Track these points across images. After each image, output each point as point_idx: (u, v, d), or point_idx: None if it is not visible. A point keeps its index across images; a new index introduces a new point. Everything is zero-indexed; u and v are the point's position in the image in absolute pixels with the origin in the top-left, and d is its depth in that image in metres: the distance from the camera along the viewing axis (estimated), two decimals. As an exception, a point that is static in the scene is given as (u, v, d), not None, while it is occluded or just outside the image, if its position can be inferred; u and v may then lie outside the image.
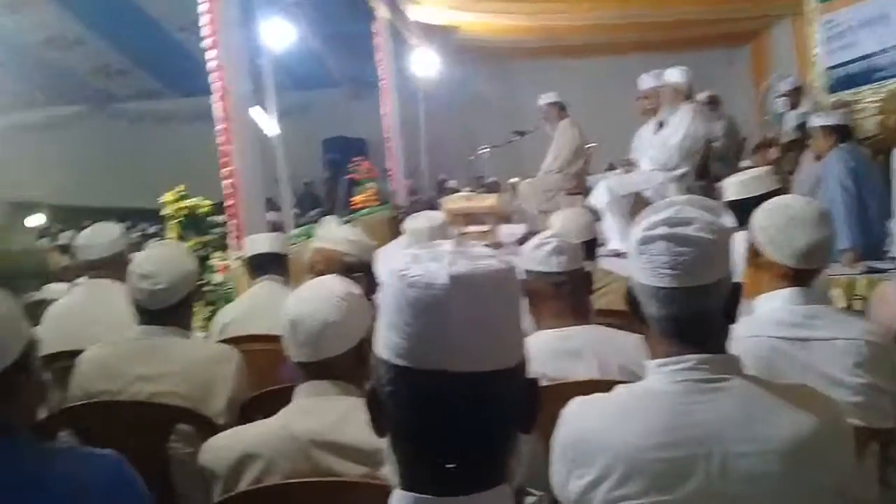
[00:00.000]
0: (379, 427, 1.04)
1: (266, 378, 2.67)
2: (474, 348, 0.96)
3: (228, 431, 1.97)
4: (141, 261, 2.60)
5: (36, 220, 15.53)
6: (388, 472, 1.04)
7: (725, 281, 1.55)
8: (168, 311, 2.57)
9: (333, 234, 2.92)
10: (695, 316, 1.53)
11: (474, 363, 0.96)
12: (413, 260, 1.00)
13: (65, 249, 7.19)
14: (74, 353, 2.68)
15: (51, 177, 16.17)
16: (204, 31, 5.16)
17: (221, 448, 1.87)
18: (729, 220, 1.59)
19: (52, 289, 5.10)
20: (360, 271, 2.71)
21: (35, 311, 4.48)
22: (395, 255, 1.02)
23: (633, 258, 1.57)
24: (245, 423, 2.30)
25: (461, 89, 14.01)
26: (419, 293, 0.96)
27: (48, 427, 2.27)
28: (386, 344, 0.99)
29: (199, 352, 2.61)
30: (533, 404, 1.03)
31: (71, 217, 15.99)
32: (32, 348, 1.71)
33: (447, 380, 0.96)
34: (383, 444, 1.05)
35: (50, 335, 3.06)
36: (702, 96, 7.68)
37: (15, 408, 1.63)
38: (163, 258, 2.61)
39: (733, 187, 3.56)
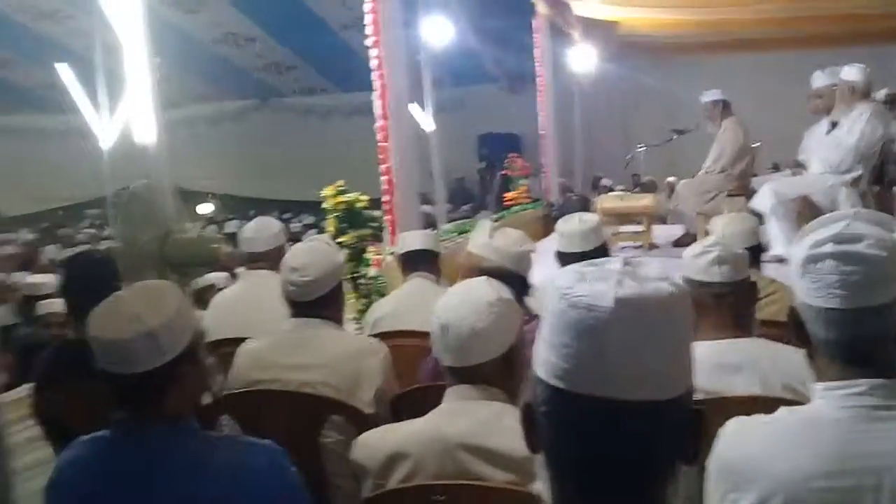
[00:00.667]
0: (532, 444, 1.01)
1: (415, 373, 2.72)
2: (636, 376, 0.91)
3: (380, 429, 2.00)
4: (291, 255, 2.71)
5: (205, 208, 16.48)
6: (541, 488, 1.01)
7: None
8: (317, 302, 2.64)
9: (478, 237, 2.92)
10: (866, 338, 1.43)
11: (635, 392, 0.91)
12: (578, 278, 0.95)
13: (230, 238, 7.55)
14: (237, 341, 2.81)
15: (220, 167, 17.11)
16: (367, 30, 5.29)
17: (373, 445, 1.91)
18: None
19: (213, 276, 5.36)
20: (497, 277, 2.67)
21: (201, 297, 4.74)
22: (545, 262, 0.99)
23: (797, 277, 1.48)
24: (396, 419, 2.36)
25: (620, 86, 13.76)
26: (581, 314, 0.92)
27: (210, 413, 2.38)
28: (543, 363, 0.96)
29: (347, 345, 2.67)
30: (697, 437, 0.97)
31: (237, 205, 16.88)
32: (199, 338, 1.80)
33: (605, 407, 0.91)
34: (528, 452, 1.03)
35: (215, 323, 3.23)
36: (880, 95, 7.19)
37: (181, 395, 1.72)
38: (311, 252, 2.70)
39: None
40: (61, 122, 15.81)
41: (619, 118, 13.99)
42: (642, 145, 8.69)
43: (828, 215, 1.53)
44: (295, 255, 2.69)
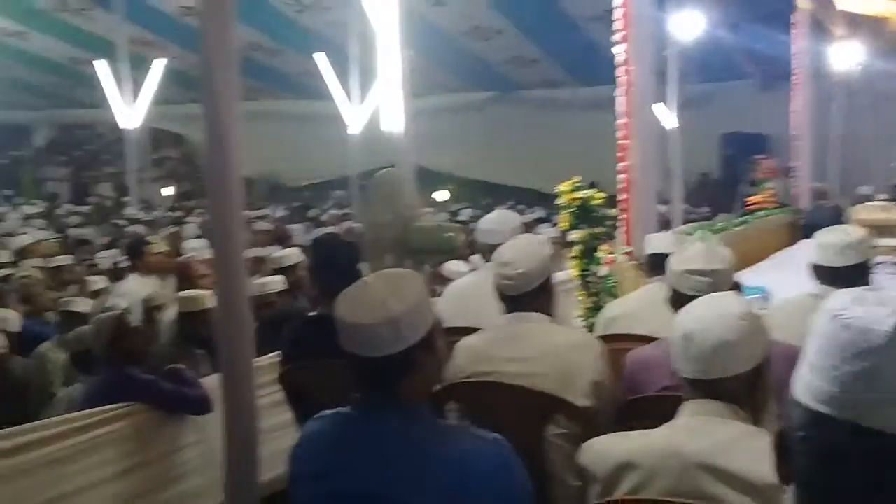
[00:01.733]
0: (784, 474, 0.96)
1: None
2: None
3: (610, 436, 1.96)
4: (502, 251, 2.73)
5: (441, 195, 17.01)
6: None
7: None
8: (528, 296, 2.64)
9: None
10: None
11: None
12: (854, 301, 0.90)
13: (464, 226, 7.70)
14: (468, 330, 2.85)
15: (460, 154, 17.62)
16: (616, 25, 5.17)
17: (603, 452, 1.86)
18: None
19: (449, 265, 5.47)
20: None
21: (433, 284, 4.86)
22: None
23: None
24: (622, 427, 2.29)
25: (887, 86, 12.64)
26: (854, 337, 0.87)
27: (437, 400, 2.42)
28: (805, 386, 0.91)
29: (560, 337, 2.65)
30: None
31: (471, 193, 17.30)
32: (437, 328, 1.83)
33: (874, 439, 0.85)
34: (775, 479, 0.98)
35: (447, 310, 3.30)
36: None
37: (418, 381, 1.76)
38: (520, 247, 2.72)
39: None
40: (316, 108, 16.93)
41: (885, 121, 12.85)
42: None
43: None
44: (504, 250, 2.72)
